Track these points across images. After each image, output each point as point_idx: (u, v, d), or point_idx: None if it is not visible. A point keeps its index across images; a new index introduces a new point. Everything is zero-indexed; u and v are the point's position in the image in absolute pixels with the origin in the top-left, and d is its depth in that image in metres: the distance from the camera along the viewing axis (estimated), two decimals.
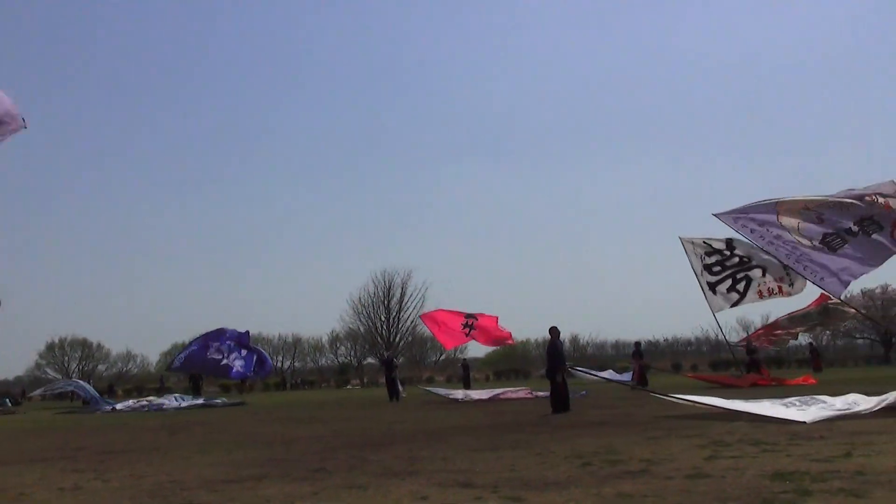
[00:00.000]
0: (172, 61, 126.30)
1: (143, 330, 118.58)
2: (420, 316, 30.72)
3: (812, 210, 16.72)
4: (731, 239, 22.07)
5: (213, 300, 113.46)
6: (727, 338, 31.43)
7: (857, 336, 66.62)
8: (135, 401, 34.12)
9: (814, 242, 16.56)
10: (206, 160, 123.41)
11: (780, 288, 22.18)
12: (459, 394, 25.84)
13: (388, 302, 77.18)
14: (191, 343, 33.99)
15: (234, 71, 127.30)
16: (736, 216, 17.39)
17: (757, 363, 28.53)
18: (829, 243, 16.52)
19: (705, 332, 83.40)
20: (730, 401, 14.01)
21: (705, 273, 22.32)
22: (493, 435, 12.02)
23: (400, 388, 28.16)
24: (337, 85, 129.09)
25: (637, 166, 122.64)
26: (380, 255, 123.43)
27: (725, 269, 22.23)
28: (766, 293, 22.24)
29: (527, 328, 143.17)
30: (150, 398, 33.49)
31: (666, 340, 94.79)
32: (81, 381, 44.81)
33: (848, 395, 13.19)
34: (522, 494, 6.38)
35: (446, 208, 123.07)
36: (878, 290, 63.17)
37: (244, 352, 31.53)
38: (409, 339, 77.52)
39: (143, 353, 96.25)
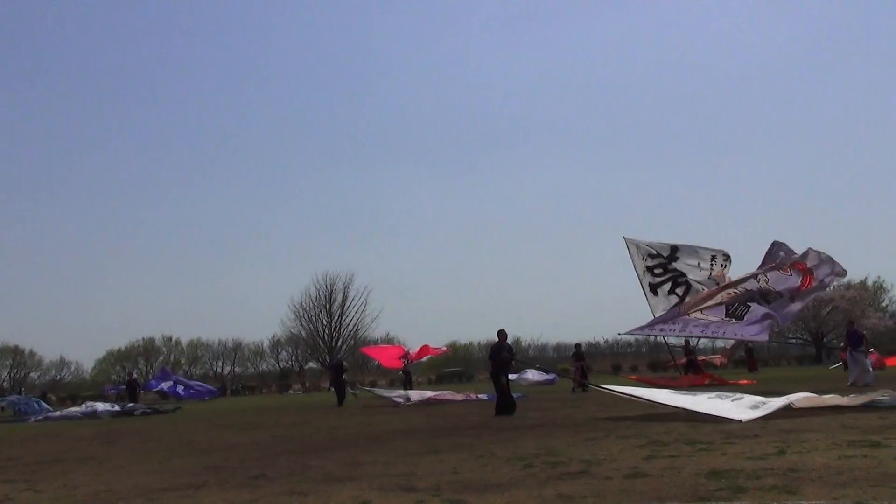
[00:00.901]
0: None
1: (78, 336, 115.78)
2: (361, 349, 31.27)
3: (711, 307, 18.38)
4: (676, 246, 22.52)
5: (152, 306, 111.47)
6: (666, 340, 31.87)
7: (791, 337, 68.33)
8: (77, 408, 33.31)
9: (722, 317, 19.13)
10: (145, 165, 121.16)
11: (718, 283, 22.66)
12: (401, 396, 25.74)
13: (331, 306, 76.78)
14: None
15: (178, 73, 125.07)
16: (643, 330, 19.39)
17: (695, 364, 29.04)
18: (734, 314, 18.55)
19: (647, 336, 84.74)
20: (668, 394, 14.29)
21: (647, 274, 22.64)
22: (434, 438, 11.99)
23: (349, 390, 28.00)
24: (278, 89, 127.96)
25: (577, 169, 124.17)
26: (321, 259, 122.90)
27: (667, 272, 22.59)
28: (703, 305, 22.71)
29: (469, 331, 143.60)
30: (88, 403, 32.76)
31: (606, 342, 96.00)
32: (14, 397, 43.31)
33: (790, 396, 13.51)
34: (464, 497, 6.37)
35: (389, 213, 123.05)
36: None
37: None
38: (352, 343, 77.10)
39: (78, 359, 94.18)
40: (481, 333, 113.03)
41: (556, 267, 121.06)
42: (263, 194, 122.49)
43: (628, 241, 22.74)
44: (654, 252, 22.69)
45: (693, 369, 28.13)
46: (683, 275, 22.36)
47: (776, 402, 12.37)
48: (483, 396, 25.77)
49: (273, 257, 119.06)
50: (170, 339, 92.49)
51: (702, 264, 22.29)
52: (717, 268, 21.97)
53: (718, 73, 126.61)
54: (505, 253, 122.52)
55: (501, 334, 17.07)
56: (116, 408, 29.85)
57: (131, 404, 31.41)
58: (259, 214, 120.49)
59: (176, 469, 9.73)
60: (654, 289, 22.73)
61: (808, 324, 63.11)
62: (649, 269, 22.47)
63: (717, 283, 21.09)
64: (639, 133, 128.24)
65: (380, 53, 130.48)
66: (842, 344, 42.38)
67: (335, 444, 11.94)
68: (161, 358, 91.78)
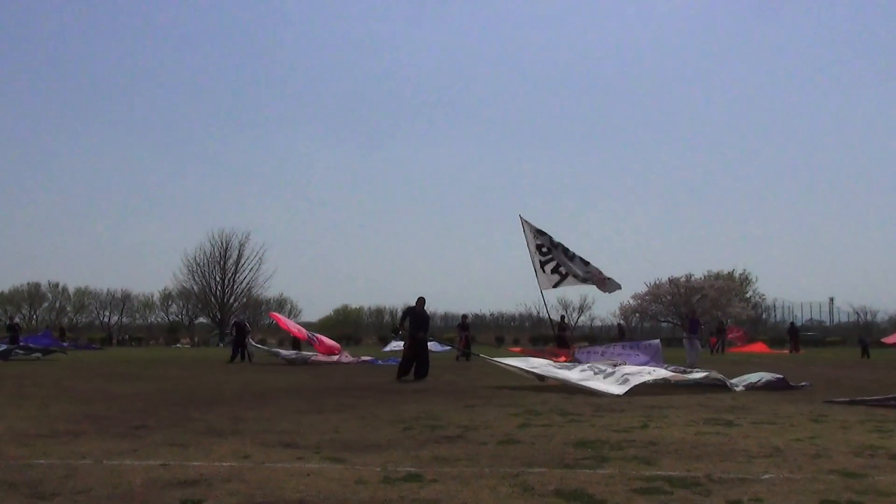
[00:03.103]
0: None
1: None
2: (270, 314, 30.41)
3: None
4: (561, 243, 23.41)
5: (38, 250, 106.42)
6: (549, 314, 32.78)
7: (662, 319, 70.98)
8: None
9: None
10: (39, 105, 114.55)
11: (601, 283, 23.69)
12: (292, 353, 25.44)
13: (225, 263, 75.09)
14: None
15: (82, 19, 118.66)
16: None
17: (565, 340, 29.99)
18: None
19: (528, 308, 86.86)
20: (548, 367, 14.70)
21: (537, 252, 23.17)
22: (319, 398, 11.99)
23: (250, 347, 27.35)
24: (185, 44, 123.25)
25: (475, 147, 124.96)
26: (218, 216, 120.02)
27: (552, 252, 23.21)
28: (595, 280, 23.60)
29: (360, 297, 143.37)
30: None
31: (492, 315, 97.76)
32: None
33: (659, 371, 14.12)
34: (343, 455, 6.41)
35: (288, 176, 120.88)
36: (682, 279, 67.64)
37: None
38: (244, 300, 75.74)
39: None
40: (371, 299, 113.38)
41: (447, 240, 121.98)
42: (161, 146, 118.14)
43: (523, 219, 23.15)
44: (544, 233, 23.29)
45: (564, 345, 29.03)
46: (573, 254, 23.27)
47: (642, 377, 12.93)
48: (367, 358, 25.89)
49: (168, 210, 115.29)
50: (56, 285, 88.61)
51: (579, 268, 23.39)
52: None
53: (611, 60, 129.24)
54: (399, 223, 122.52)
55: (420, 301, 17.14)
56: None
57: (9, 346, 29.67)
58: (155, 166, 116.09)
59: (53, 416, 9.40)
60: (542, 265, 23.32)
61: (679, 309, 65.74)
62: (538, 248, 23.00)
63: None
64: (536, 117, 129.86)
65: (289, 20, 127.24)
66: (712, 329, 44.91)
67: (220, 399, 11.78)
68: (46, 304, 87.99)
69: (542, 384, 13.95)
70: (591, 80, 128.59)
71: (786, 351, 40.92)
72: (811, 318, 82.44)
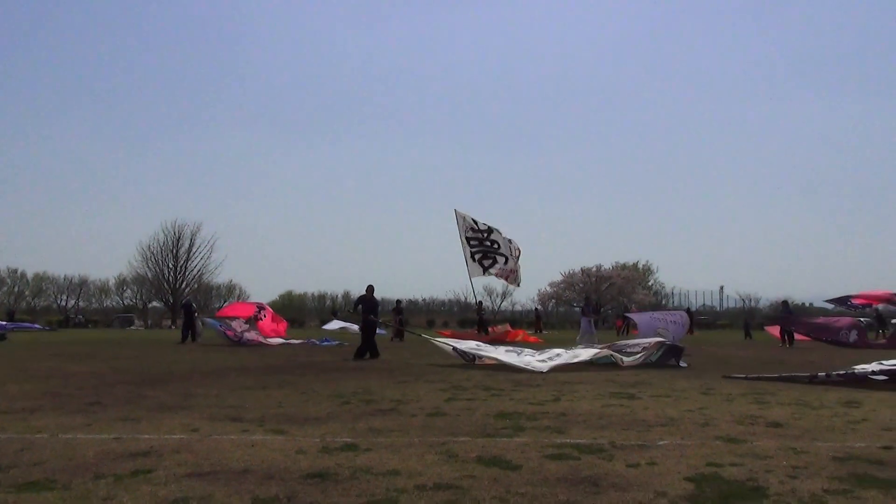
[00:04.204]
0: None
1: None
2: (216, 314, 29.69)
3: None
4: (492, 228, 23.62)
5: None
6: (476, 299, 33.21)
7: (575, 304, 72.16)
8: None
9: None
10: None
11: (507, 277, 24.37)
12: (241, 327, 24.73)
13: (177, 251, 73.44)
14: None
15: (50, 6, 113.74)
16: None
17: (484, 322, 30.45)
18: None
19: (456, 294, 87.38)
20: (479, 347, 14.83)
21: (467, 244, 23.41)
22: (264, 376, 11.83)
23: (199, 328, 26.68)
24: (148, 38, 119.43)
25: (408, 147, 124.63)
26: (171, 206, 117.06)
27: (481, 244, 23.52)
28: (501, 275, 24.22)
29: (304, 283, 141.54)
30: None
31: (424, 300, 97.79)
32: None
33: (575, 350, 14.35)
34: (285, 427, 6.36)
35: (238, 169, 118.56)
36: (593, 269, 68.93)
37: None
38: (196, 286, 74.23)
39: None
40: (314, 285, 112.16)
41: (384, 231, 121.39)
42: (120, 138, 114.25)
43: (458, 213, 23.33)
44: (476, 227, 23.59)
45: (482, 327, 29.42)
46: (498, 246, 23.61)
47: (564, 357, 13.15)
48: (314, 341, 25.61)
49: (125, 201, 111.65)
50: (15, 270, 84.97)
51: (508, 244, 23.86)
52: (514, 248, 23.93)
53: (532, 69, 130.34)
54: (340, 215, 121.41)
55: (370, 289, 17.05)
56: None
57: None
58: (113, 158, 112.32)
59: (11, 394, 9.04)
60: (473, 256, 23.60)
61: (590, 295, 67.00)
62: (468, 240, 23.22)
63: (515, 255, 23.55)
64: (464, 119, 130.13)
65: (244, 21, 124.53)
66: (618, 313, 46.00)
67: (171, 377, 11.51)
68: (5, 288, 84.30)
69: (470, 363, 14.03)
70: (513, 87, 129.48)
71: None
72: (704, 304, 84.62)
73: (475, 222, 23.67)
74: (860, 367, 10.89)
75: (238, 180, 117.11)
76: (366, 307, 16.77)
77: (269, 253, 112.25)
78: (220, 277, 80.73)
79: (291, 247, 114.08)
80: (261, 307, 26.39)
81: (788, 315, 26.70)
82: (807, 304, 71.67)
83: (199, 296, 71.02)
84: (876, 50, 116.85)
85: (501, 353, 13.78)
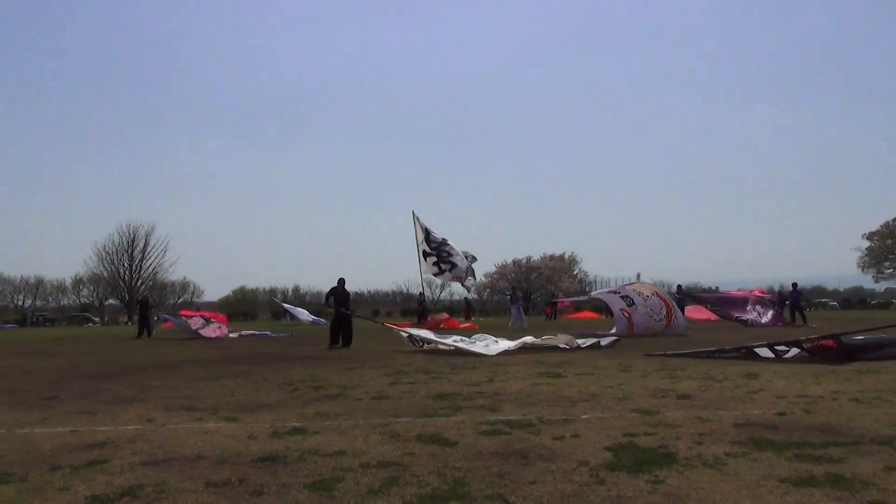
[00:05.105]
0: None
1: None
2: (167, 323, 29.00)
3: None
4: (446, 240, 23.82)
5: None
6: (424, 294, 33.41)
7: (506, 293, 72.83)
8: None
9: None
10: None
11: (460, 280, 24.59)
12: (199, 322, 24.13)
13: (132, 251, 71.33)
14: None
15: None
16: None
17: (425, 312, 30.57)
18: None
19: (399, 286, 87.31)
20: (431, 334, 14.86)
21: (423, 244, 23.47)
22: (218, 367, 11.57)
23: (153, 323, 25.92)
24: (86, 41, 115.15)
25: (349, 149, 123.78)
26: (125, 208, 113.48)
27: (438, 251, 23.63)
28: (454, 279, 24.43)
29: (256, 279, 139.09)
30: None
31: (369, 292, 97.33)
32: None
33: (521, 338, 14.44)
34: (237, 415, 6.25)
35: (191, 171, 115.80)
36: (523, 261, 69.68)
37: None
38: (150, 283, 72.19)
39: None
40: (265, 281, 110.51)
41: (330, 228, 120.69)
42: (73, 140, 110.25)
43: (416, 215, 23.34)
44: (433, 237, 23.69)
45: (422, 316, 29.52)
46: (449, 255, 23.78)
47: (506, 344, 13.24)
48: (270, 333, 25.16)
49: (80, 202, 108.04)
50: None
51: (461, 256, 24.06)
52: (469, 256, 24.19)
53: (466, 77, 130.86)
54: (288, 213, 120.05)
55: (341, 281, 16.83)
56: None
57: None
58: (68, 158, 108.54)
59: None
60: (426, 256, 23.64)
61: (520, 284, 67.63)
62: (426, 240, 23.32)
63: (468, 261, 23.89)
64: (407, 123, 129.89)
65: (196, 28, 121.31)
66: (547, 300, 46.60)
67: (127, 371, 11.16)
68: None
69: (420, 349, 14.02)
70: (451, 95, 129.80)
71: (604, 317, 42.99)
72: (619, 287, 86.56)
73: (428, 232, 23.76)
74: (754, 344, 11.29)
75: (191, 180, 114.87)
76: (337, 299, 16.61)
77: (223, 251, 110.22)
78: (175, 275, 79.11)
79: (243, 244, 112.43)
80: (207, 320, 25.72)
81: (682, 297, 26.83)
82: (713, 288, 73.94)
83: (154, 293, 69.17)
84: (743, 58, 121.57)
85: (454, 340, 13.81)
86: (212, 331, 23.12)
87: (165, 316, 28.85)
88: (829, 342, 10.21)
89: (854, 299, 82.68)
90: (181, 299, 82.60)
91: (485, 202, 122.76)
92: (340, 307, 16.48)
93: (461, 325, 26.96)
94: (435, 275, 24.44)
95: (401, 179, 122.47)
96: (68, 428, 5.75)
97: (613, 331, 18.45)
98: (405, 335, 15.23)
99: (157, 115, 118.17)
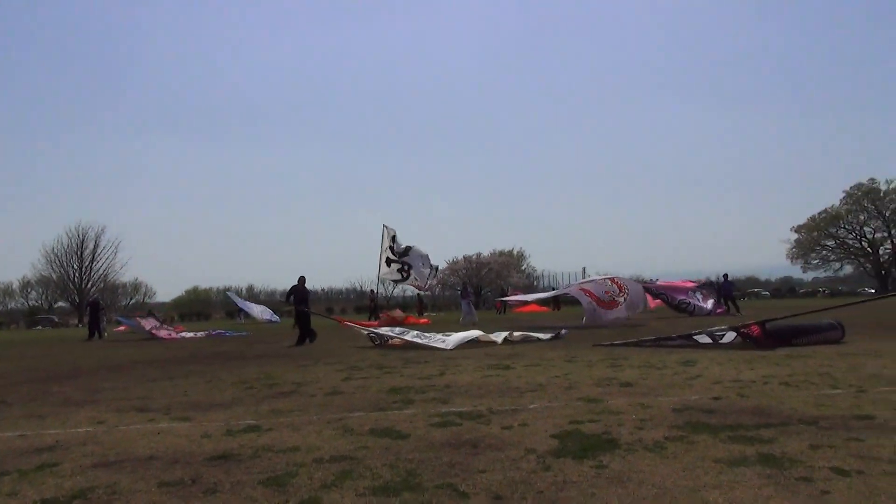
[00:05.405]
0: None
1: None
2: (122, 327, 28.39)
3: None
4: (410, 247, 24.03)
5: None
6: (376, 291, 33.44)
7: (458, 288, 73.07)
8: None
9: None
10: None
11: (420, 288, 24.95)
12: (152, 323, 23.55)
13: (82, 252, 68.99)
14: None
15: None
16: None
17: (377, 308, 30.57)
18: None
19: (353, 284, 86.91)
20: (388, 330, 14.83)
21: (387, 251, 23.69)
22: (170, 367, 11.30)
23: (103, 325, 25.15)
24: (32, 42, 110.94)
25: (308, 150, 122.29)
26: (75, 210, 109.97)
27: (400, 259, 23.85)
28: (414, 284, 24.79)
29: (209, 279, 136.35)
30: None
31: (323, 290, 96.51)
32: None
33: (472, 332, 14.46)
34: (191, 414, 6.12)
35: (142, 173, 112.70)
36: (473, 257, 69.98)
37: None
38: (102, 285, 70.00)
39: None
40: (218, 280, 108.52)
41: (283, 227, 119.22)
42: (16, 141, 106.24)
43: (386, 227, 23.59)
44: (397, 245, 23.96)
45: (375, 313, 29.49)
46: (410, 267, 24.19)
47: (460, 336, 13.22)
48: (221, 331, 24.70)
49: (26, 203, 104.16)
50: None
51: (423, 263, 24.41)
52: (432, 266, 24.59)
53: (423, 82, 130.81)
54: (240, 214, 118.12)
55: (301, 279, 16.55)
56: None
57: None
58: (12, 159, 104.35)
59: None
60: (388, 262, 23.86)
61: (471, 279, 67.94)
62: (390, 248, 23.62)
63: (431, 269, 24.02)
64: (358, 124, 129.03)
65: (142, 28, 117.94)
66: (497, 294, 46.92)
67: (77, 373, 10.81)
68: None
69: (380, 346, 13.92)
70: (404, 97, 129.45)
71: (549, 309, 43.53)
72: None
73: (393, 241, 24.04)
74: (694, 332, 11.61)
75: (141, 181, 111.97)
76: (297, 297, 16.38)
77: (174, 250, 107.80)
78: (126, 276, 77.01)
79: (195, 244, 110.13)
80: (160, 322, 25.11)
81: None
82: (652, 280, 75.56)
83: (105, 294, 67.15)
84: (690, 60, 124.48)
85: (412, 336, 13.76)
86: (165, 332, 22.60)
87: (119, 319, 28.02)
88: (755, 328, 10.59)
89: (784, 288, 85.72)
90: (133, 300, 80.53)
91: (436, 200, 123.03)
92: (300, 305, 16.30)
93: (419, 321, 27.11)
94: (396, 281, 24.75)
95: (352, 178, 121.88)
96: (16, 432, 5.55)
97: (584, 321, 19.22)
98: (365, 332, 15.14)
99: (106, 114, 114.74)
